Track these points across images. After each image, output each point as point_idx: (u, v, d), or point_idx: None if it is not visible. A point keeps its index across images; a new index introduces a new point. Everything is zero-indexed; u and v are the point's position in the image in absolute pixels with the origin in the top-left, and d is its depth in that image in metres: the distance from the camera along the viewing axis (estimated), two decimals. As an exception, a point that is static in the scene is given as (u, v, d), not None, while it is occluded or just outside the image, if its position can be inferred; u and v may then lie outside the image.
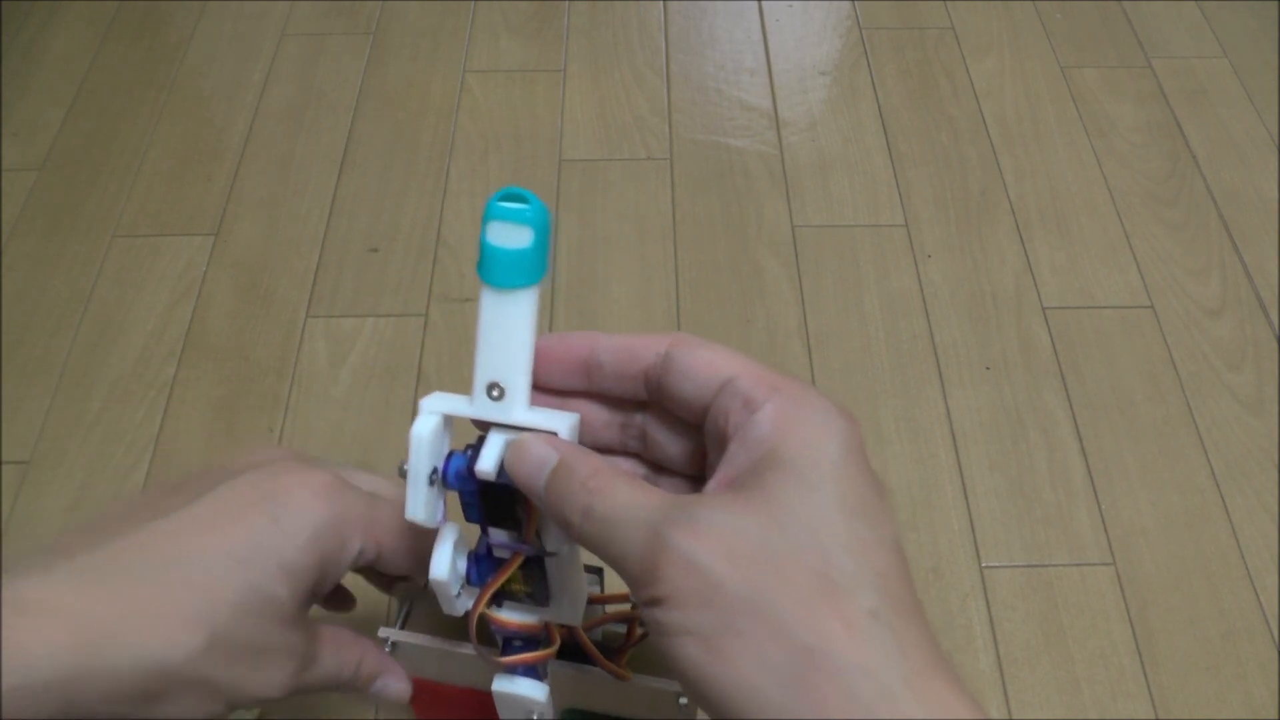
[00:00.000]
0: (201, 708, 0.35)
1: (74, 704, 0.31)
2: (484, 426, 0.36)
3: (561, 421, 0.34)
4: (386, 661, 0.44)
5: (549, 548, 0.37)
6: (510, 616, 0.40)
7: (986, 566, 0.70)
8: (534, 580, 0.38)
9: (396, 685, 0.44)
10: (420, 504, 0.35)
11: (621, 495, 0.30)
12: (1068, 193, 0.92)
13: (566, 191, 0.92)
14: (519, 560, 0.37)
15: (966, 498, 0.73)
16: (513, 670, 0.41)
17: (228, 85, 1.02)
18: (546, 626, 0.41)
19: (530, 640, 0.41)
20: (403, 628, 0.49)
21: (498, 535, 0.37)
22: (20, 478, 0.73)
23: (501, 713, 0.43)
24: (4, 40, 1.06)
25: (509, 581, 0.38)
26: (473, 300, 0.84)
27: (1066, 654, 0.66)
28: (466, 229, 0.89)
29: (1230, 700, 0.64)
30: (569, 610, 0.39)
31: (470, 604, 0.39)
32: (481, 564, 0.38)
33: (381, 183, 0.93)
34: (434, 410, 0.36)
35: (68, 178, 0.93)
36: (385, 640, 0.47)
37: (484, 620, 0.40)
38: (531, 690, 0.42)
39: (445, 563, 0.37)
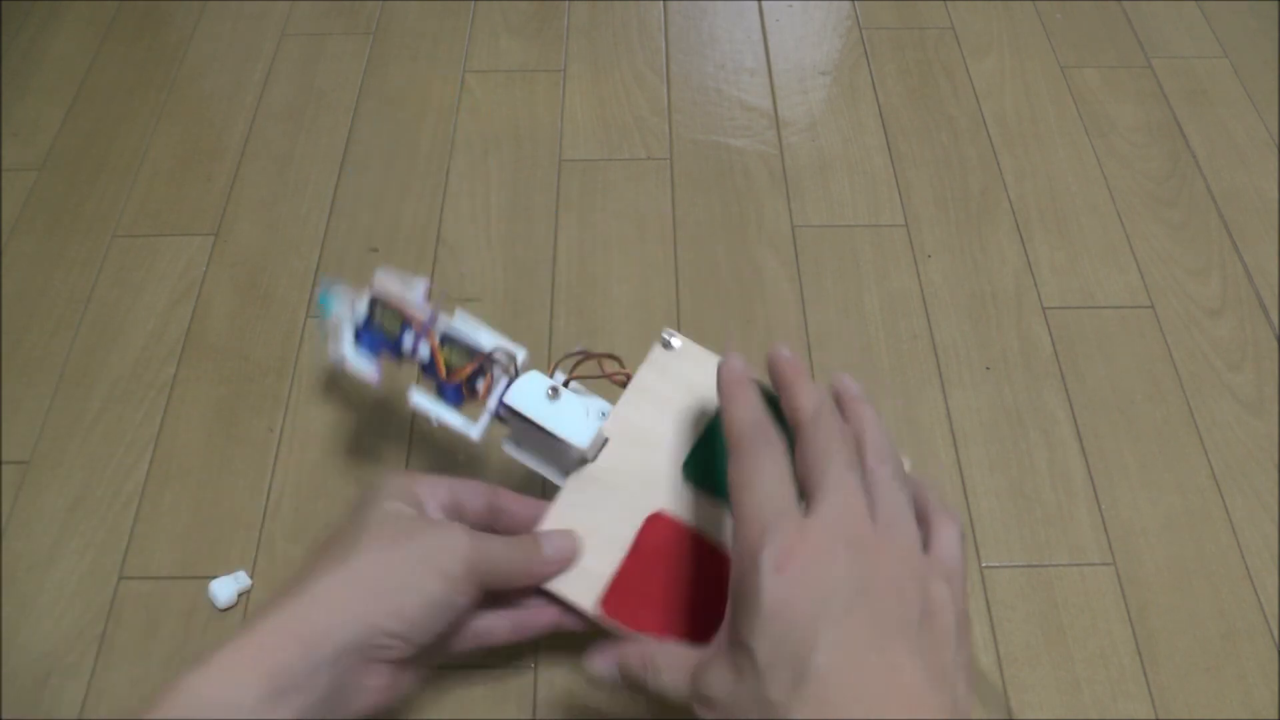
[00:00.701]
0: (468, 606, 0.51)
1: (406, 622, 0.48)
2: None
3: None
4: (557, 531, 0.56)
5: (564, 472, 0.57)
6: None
7: (986, 566, 0.70)
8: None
9: (563, 540, 0.55)
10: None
11: (668, 675, 0.46)
12: (1068, 193, 0.92)
13: (566, 191, 0.92)
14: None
15: (966, 498, 0.73)
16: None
17: (228, 85, 1.02)
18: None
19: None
20: None
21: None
22: (20, 478, 0.73)
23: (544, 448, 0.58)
24: (4, 40, 1.06)
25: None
26: (473, 300, 0.84)
27: (1066, 654, 0.66)
28: (466, 229, 0.89)
29: (1230, 700, 0.64)
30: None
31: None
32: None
33: (381, 183, 0.93)
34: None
35: (68, 178, 0.93)
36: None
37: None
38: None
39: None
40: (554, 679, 0.65)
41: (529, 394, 0.55)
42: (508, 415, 0.56)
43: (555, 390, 0.55)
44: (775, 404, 0.51)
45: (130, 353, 0.81)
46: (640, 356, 0.81)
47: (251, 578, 0.69)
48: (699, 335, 0.81)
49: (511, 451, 0.59)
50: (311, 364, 0.80)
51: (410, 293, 0.57)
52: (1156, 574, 0.69)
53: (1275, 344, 0.82)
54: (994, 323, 0.83)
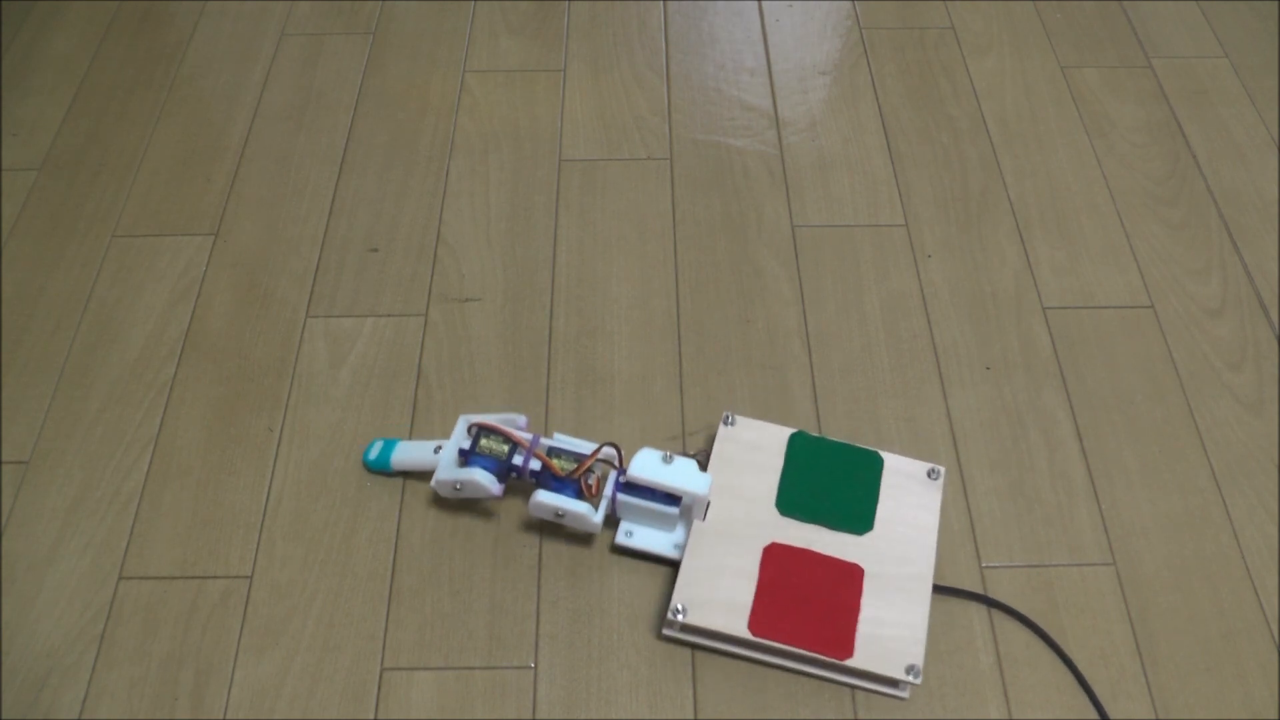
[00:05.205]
0: None
1: None
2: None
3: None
4: None
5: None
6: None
7: (986, 566, 0.70)
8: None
9: None
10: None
11: None
12: (1068, 193, 0.92)
13: (566, 191, 0.92)
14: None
15: (966, 498, 0.73)
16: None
17: (228, 85, 1.02)
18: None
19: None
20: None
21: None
22: (20, 478, 0.73)
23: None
24: (4, 40, 1.06)
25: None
26: (472, 300, 0.84)
27: (1066, 653, 0.66)
28: (466, 229, 0.89)
29: (1230, 700, 0.64)
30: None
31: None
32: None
33: (381, 183, 0.93)
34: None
35: (68, 178, 0.93)
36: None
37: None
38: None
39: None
40: (554, 678, 0.65)
41: (647, 465, 0.66)
42: (623, 500, 0.67)
43: (669, 457, 0.66)
44: (819, 446, 0.71)
45: (130, 353, 0.81)
46: (640, 355, 0.81)
47: (250, 577, 0.69)
48: (699, 335, 0.82)
49: (625, 542, 0.69)
50: (311, 364, 0.80)
51: (511, 423, 0.70)
52: (1156, 574, 0.69)
53: (1275, 344, 0.82)
54: (994, 323, 0.83)
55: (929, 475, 0.71)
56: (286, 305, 0.84)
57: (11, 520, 0.71)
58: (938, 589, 0.67)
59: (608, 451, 0.68)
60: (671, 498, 0.67)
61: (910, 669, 0.62)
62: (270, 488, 0.73)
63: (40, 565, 0.69)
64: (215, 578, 0.69)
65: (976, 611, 0.68)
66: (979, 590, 0.68)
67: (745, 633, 0.63)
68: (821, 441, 0.72)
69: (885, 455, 0.71)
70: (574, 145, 0.96)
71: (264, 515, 0.72)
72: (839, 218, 0.90)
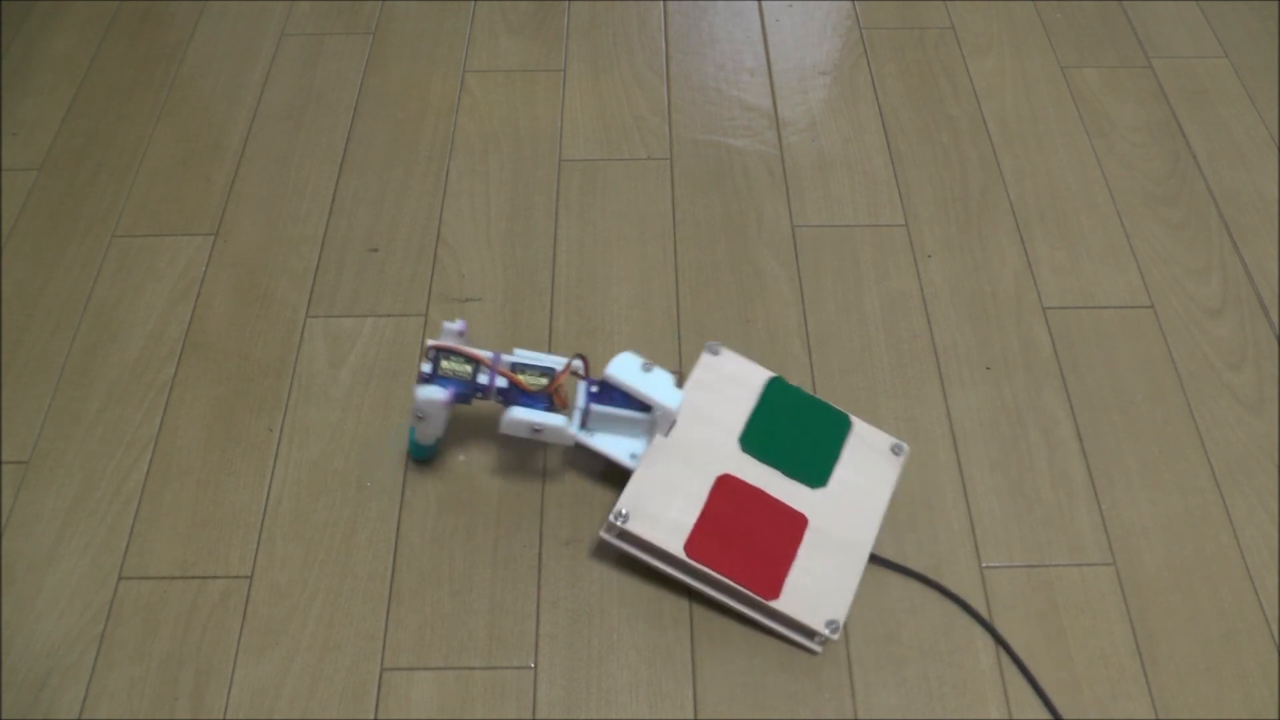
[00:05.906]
0: None
1: None
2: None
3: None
4: None
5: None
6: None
7: (986, 566, 0.70)
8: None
9: None
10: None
11: None
12: (1068, 193, 0.92)
13: (566, 191, 0.92)
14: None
15: (966, 498, 0.73)
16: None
17: (228, 85, 1.02)
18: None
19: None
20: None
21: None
22: (20, 478, 0.73)
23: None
24: (4, 40, 1.06)
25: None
26: (472, 300, 0.84)
27: (1066, 654, 0.66)
28: (466, 229, 0.89)
29: (1230, 701, 0.64)
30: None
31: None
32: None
33: (381, 183, 0.93)
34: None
35: (68, 178, 0.93)
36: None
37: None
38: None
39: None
40: (554, 678, 0.65)
41: (626, 368, 0.66)
42: (596, 410, 0.67)
43: (648, 366, 0.67)
44: (794, 395, 0.72)
45: (130, 353, 0.81)
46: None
47: (250, 577, 0.69)
48: (699, 335, 0.82)
49: (584, 440, 0.68)
50: (311, 364, 0.80)
51: (462, 338, 0.68)
52: (1156, 574, 0.69)
53: (1275, 344, 0.82)
54: (994, 323, 0.83)
55: (892, 450, 0.71)
56: (286, 305, 0.84)
57: (11, 520, 0.71)
58: (874, 559, 0.68)
59: (577, 364, 0.67)
60: (643, 405, 0.67)
61: (830, 624, 0.63)
62: (270, 488, 0.73)
63: (40, 565, 0.69)
64: (215, 578, 0.69)
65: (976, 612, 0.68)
66: (980, 593, 0.68)
67: (680, 553, 0.64)
68: (797, 392, 0.73)
69: (855, 421, 0.72)
70: (574, 145, 0.96)
71: (264, 515, 0.72)
72: (839, 218, 0.90)
